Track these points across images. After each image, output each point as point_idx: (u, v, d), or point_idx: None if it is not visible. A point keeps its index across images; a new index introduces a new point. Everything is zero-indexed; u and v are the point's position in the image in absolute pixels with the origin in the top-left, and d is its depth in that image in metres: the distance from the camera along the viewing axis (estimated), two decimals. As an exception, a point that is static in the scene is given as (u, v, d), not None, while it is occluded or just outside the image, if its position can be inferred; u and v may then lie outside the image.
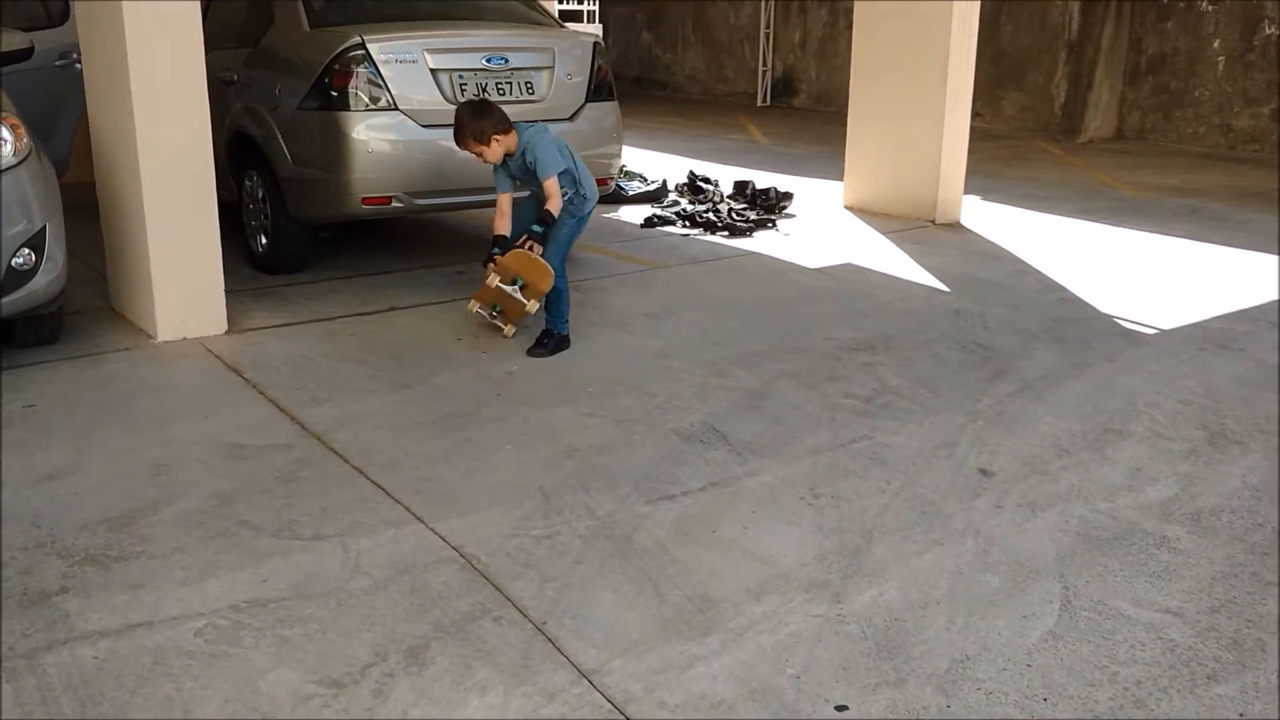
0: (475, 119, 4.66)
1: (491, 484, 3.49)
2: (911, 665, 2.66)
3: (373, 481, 3.49)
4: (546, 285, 4.68)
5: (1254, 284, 6.10)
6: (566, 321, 4.82)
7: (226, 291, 5.00)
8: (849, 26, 15.75)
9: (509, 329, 4.90)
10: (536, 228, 4.73)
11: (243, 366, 4.51)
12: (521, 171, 4.78)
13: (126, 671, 2.54)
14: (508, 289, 4.73)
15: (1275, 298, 5.81)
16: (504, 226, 4.81)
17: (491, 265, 4.78)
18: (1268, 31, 11.55)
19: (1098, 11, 12.44)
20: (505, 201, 4.84)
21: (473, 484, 3.49)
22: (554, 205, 4.72)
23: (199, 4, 4.63)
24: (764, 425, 4.02)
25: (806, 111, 15.84)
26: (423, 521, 3.24)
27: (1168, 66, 12.35)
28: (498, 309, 4.88)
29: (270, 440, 3.79)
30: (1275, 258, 6.74)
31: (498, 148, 4.67)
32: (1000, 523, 3.37)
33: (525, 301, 4.71)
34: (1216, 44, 11.98)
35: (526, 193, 4.96)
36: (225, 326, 4.90)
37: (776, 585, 2.98)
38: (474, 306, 4.90)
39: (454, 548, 3.09)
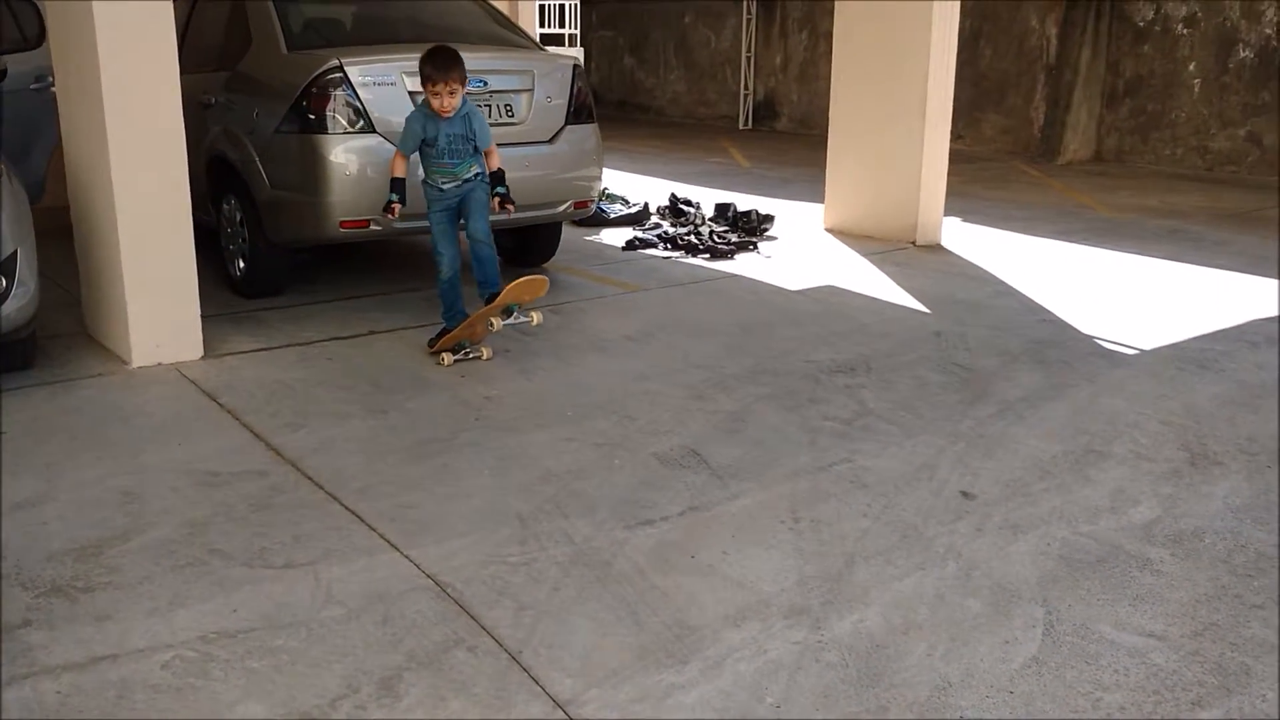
0: (460, 59, 4.65)
1: (468, 510, 3.45)
2: (893, 694, 2.62)
3: (347, 508, 3.44)
4: (543, 289, 4.74)
5: (1233, 304, 6.11)
6: (499, 277, 4.83)
7: (203, 316, 4.95)
8: (830, 51, 15.90)
9: (486, 352, 4.87)
10: (501, 189, 4.82)
11: (218, 392, 4.45)
12: (460, 133, 4.71)
13: (90, 707, 2.48)
14: (510, 322, 4.74)
15: (1255, 318, 5.82)
16: (402, 170, 4.80)
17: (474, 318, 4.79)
18: (1242, 54, 11.66)
19: (1075, 35, 12.54)
20: (405, 158, 4.83)
21: (449, 510, 3.45)
22: (498, 160, 4.87)
23: (174, 26, 4.60)
24: (744, 449, 3.99)
25: (788, 135, 15.90)
26: (397, 549, 3.19)
27: (1145, 89, 12.45)
28: (466, 344, 4.87)
29: (244, 467, 3.74)
30: (1254, 278, 6.77)
31: (462, 96, 4.69)
32: (982, 546, 3.34)
33: (531, 319, 4.78)
34: (1192, 67, 12.08)
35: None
36: (201, 351, 4.85)
37: (756, 611, 2.94)
38: (447, 360, 4.84)
39: (428, 575, 3.04)
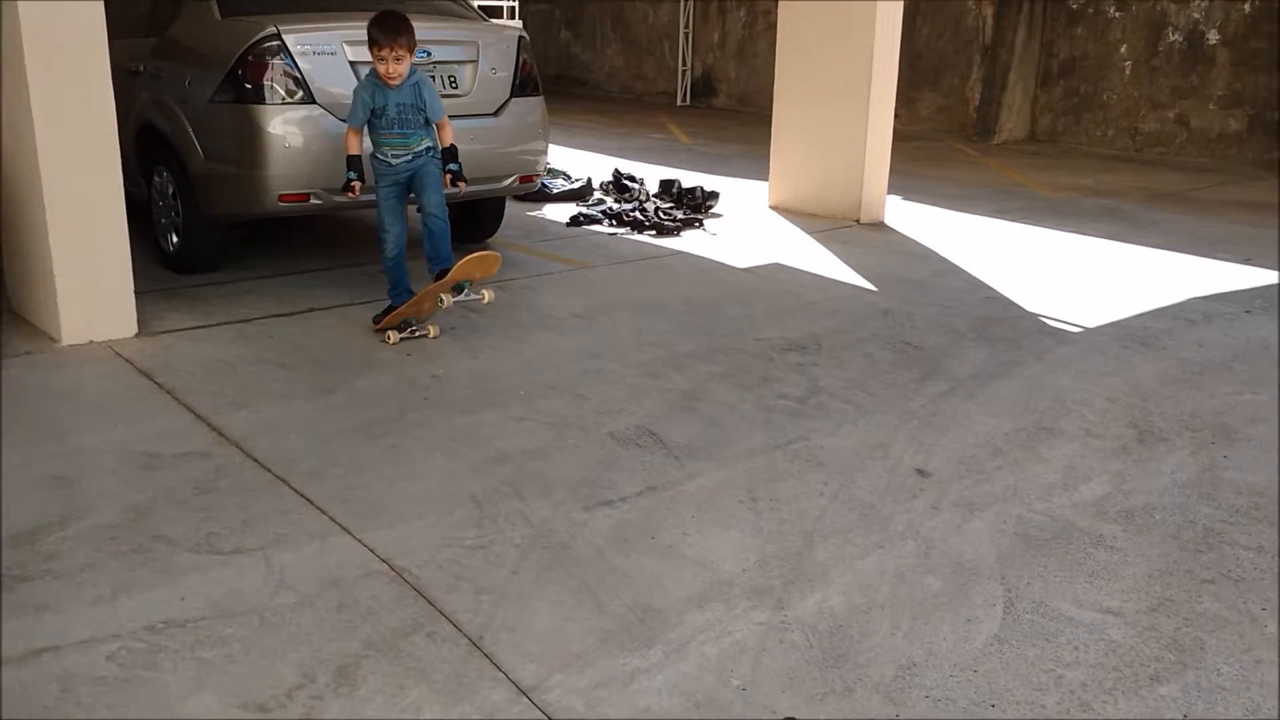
0: (410, 26, 4.51)
1: (421, 492, 3.36)
2: (858, 673, 2.60)
3: (296, 491, 3.33)
4: (495, 266, 4.64)
5: (1169, 283, 6.22)
6: (451, 253, 4.72)
7: (136, 292, 4.77)
8: (769, 27, 15.89)
9: (433, 330, 4.77)
10: (454, 166, 4.72)
11: (154, 371, 4.29)
12: (410, 103, 4.58)
13: (32, 701, 2.36)
14: (461, 299, 4.64)
15: (1191, 296, 5.92)
16: (357, 146, 4.65)
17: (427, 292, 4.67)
18: (1172, 38, 11.87)
19: (1010, 15, 12.67)
20: (358, 133, 4.67)
21: (401, 493, 3.36)
22: (450, 135, 4.74)
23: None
24: (700, 427, 3.95)
25: (726, 111, 15.86)
26: (350, 533, 3.10)
27: (1078, 70, 12.63)
28: (413, 321, 4.76)
29: (186, 448, 3.61)
30: (1188, 256, 6.90)
31: (408, 65, 4.55)
32: (939, 524, 3.34)
33: (483, 297, 4.68)
34: (1124, 49, 12.28)
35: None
36: (135, 329, 4.67)
37: (719, 592, 2.91)
38: (393, 338, 4.72)
39: (383, 560, 2.96)
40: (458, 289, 4.61)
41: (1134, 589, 3.02)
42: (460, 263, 4.53)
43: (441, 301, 4.57)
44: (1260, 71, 11.15)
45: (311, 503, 3.26)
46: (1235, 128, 11.42)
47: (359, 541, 3.05)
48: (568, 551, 3.06)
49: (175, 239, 5.66)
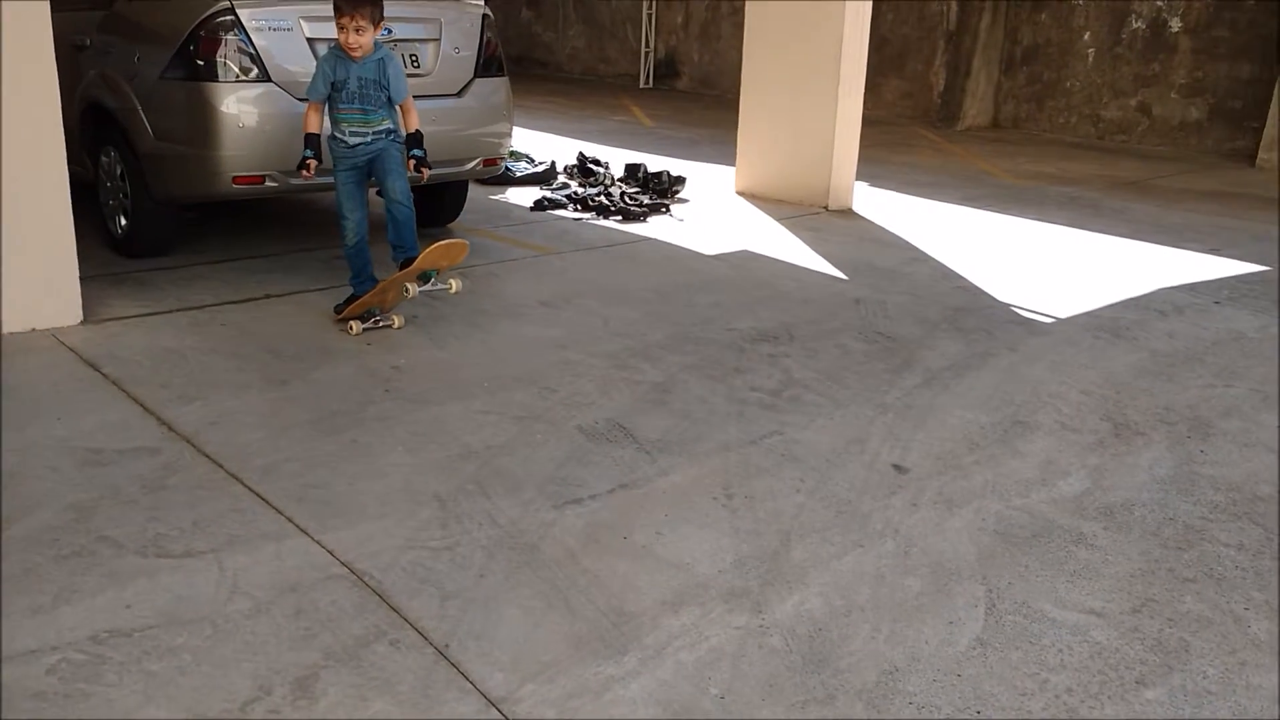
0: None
1: (382, 490, 3.22)
2: (840, 679, 2.51)
3: (250, 489, 3.18)
4: (463, 254, 4.48)
5: (1137, 272, 6.19)
6: (416, 241, 4.56)
7: (82, 278, 4.57)
8: (733, 10, 15.76)
9: (398, 320, 4.61)
10: (418, 152, 4.53)
11: (100, 360, 4.10)
12: (373, 78, 4.39)
13: (-36, 721, 2.21)
14: (427, 288, 4.46)
15: (1160, 286, 5.90)
16: (316, 125, 4.47)
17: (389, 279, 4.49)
18: (1135, 26, 11.89)
19: (975, 1, 12.63)
20: (318, 109, 4.48)
21: (361, 491, 3.22)
22: (415, 119, 4.55)
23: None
24: (671, 421, 3.84)
25: (689, 95, 15.72)
26: (307, 534, 2.95)
27: (1041, 57, 12.63)
28: (378, 310, 4.59)
29: (133, 443, 3.43)
30: (1153, 246, 6.89)
31: (373, 38, 4.36)
32: (918, 522, 3.26)
33: (450, 287, 4.50)
34: (1086, 36, 12.28)
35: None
36: (80, 316, 4.47)
37: (694, 595, 2.80)
38: (356, 328, 4.54)
39: (343, 563, 2.82)
40: (424, 278, 4.44)
41: (1116, 589, 2.96)
42: (426, 251, 4.36)
43: (407, 291, 4.40)
44: (1222, 60, 11.20)
45: (267, 502, 3.11)
46: (1196, 116, 11.47)
47: (317, 543, 2.91)
48: (537, 553, 2.94)
49: (124, 222, 5.45)
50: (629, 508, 3.21)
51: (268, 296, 5.01)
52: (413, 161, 4.52)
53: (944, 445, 3.79)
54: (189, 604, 2.62)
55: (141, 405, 3.73)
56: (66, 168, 4.35)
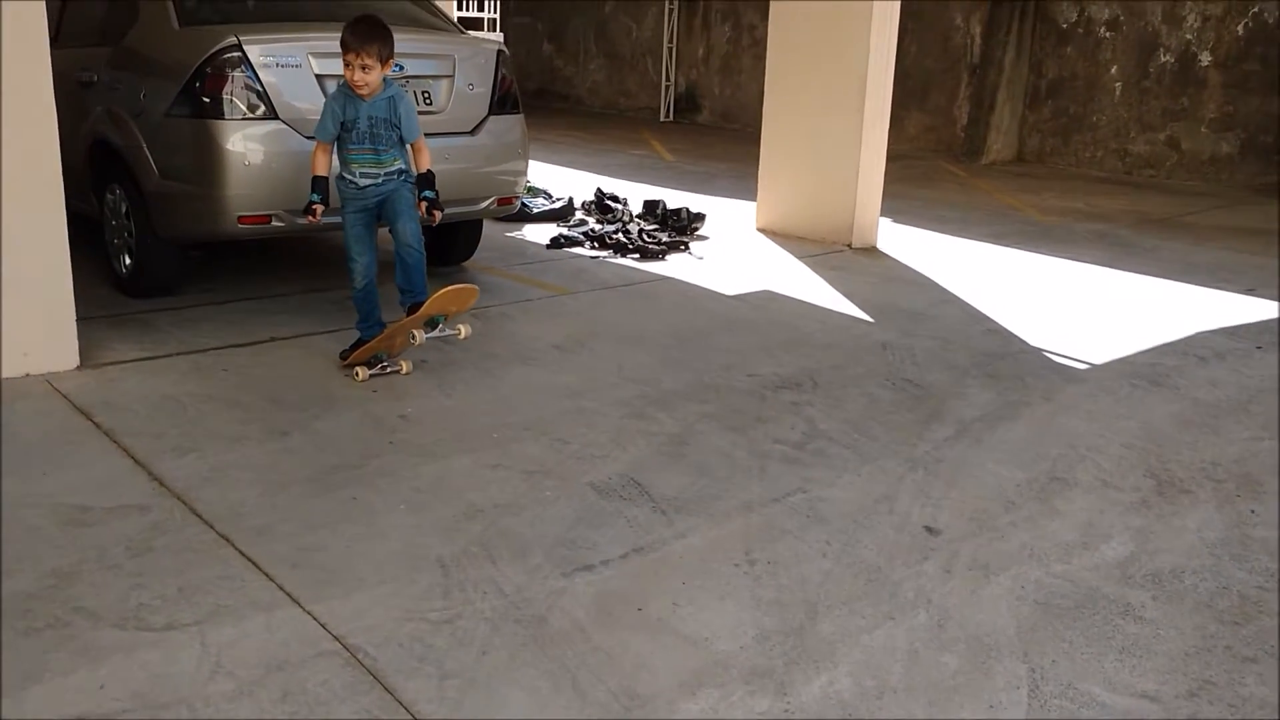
0: (389, 35, 4.16)
1: (381, 554, 3.03)
2: (872, 774, 2.30)
3: (241, 552, 2.99)
4: (473, 300, 4.29)
5: (1173, 315, 5.97)
6: (426, 285, 4.39)
7: (82, 319, 4.42)
8: (754, 43, 15.68)
9: (406, 366, 4.43)
10: (429, 193, 4.35)
11: (94, 408, 3.94)
12: (384, 117, 4.21)
13: (-88, 822, 2.02)
14: (435, 334, 4.27)
15: (1198, 330, 5.67)
16: (324, 167, 4.30)
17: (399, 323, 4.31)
18: (1164, 59, 11.69)
19: (999, 34, 12.47)
20: (326, 150, 4.32)
21: (359, 554, 3.03)
22: (428, 159, 4.40)
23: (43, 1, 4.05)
24: (689, 477, 3.63)
25: (710, 128, 15.61)
26: (299, 604, 2.76)
27: (1066, 91, 12.44)
28: (385, 356, 4.41)
29: (121, 500, 3.26)
30: (1188, 286, 6.66)
31: (380, 76, 4.18)
32: (952, 590, 3.04)
33: (459, 332, 4.34)
34: (1114, 70, 12.10)
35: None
36: (77, 360, 4.31)
37: (714, 675, 2.59)
38: (362, 374, 4.35)
39: (336, 638, 2.63)
40: (431, 324, 4.25)
41: (1170, 668, 2.73)
42: (435, 296, 4.17)
43: (414, 338, 4.21)
44: (1253, 94, 10.98)
45: (258, 567, 2.92)
46: (1227, 151, 11.24)
47: (309, 614, 2.71)
48: (544, 626, 2.73)
49: (128, 261, 5.31)
50: (643, 575, 3.01)
51: (273, 339, 4.85)
52: (424, 204, 4.34)
53: (978, 504, 3.58)
54: (167, 684, 2.42)
55: (133, 458, 3.55)
56: (64, 208, 4.20)
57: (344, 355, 4.47)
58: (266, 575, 2.88)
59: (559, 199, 8.01)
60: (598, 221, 7.65)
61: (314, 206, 4.24)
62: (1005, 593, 3.05)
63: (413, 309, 4.26)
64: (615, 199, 8.05)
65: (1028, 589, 3.08)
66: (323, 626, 2.67)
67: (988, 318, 5.77)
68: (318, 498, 3.34)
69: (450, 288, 4.19)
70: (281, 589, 2.82)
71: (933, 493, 3.63)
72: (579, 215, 7.91)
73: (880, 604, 2.95)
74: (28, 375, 4.18)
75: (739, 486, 3.59)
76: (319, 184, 4.27)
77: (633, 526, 3.27)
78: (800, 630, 2.80)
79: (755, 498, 3.51)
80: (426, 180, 4.35)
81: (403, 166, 4.34)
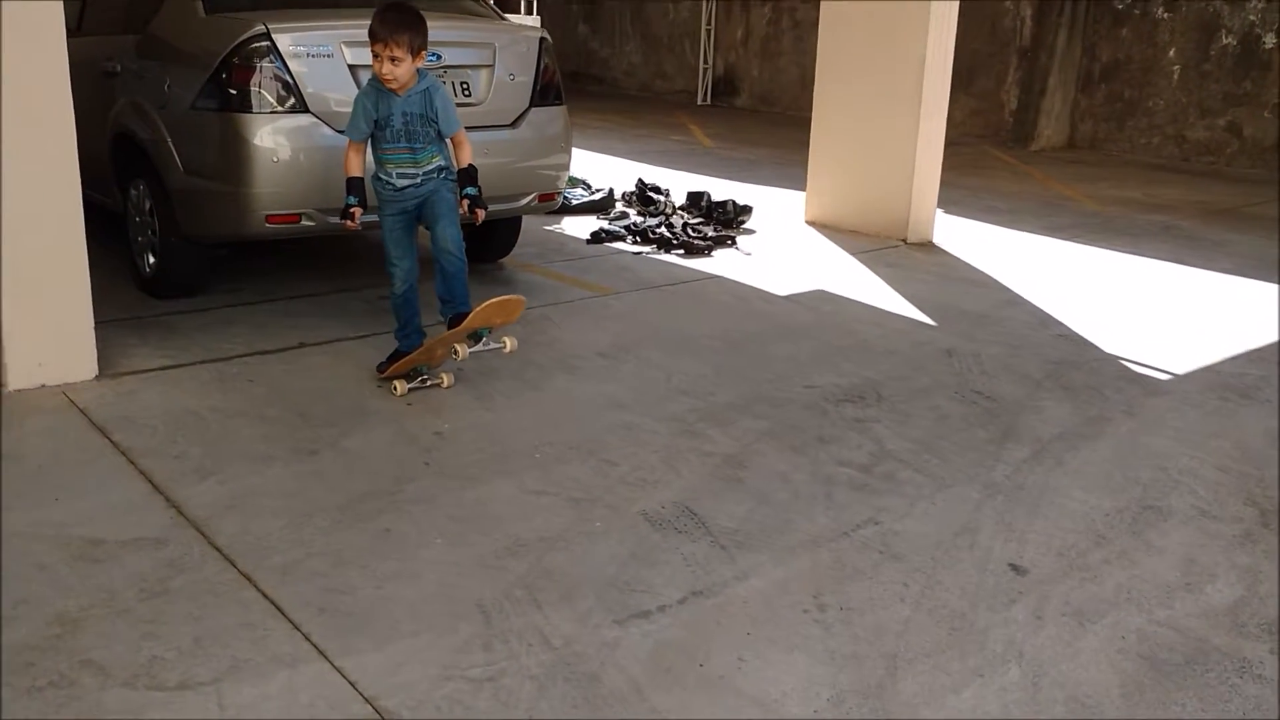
0: (421, 24, 3.82)
1: (416, 597, 2.76)
2: None
3: (264, 594, 2.74)
4: (519, 311, 3.98)
5: (1254, 318, 5.60)
6: (469, 295, 4.08)
7: (103, 322, 4.20)
8: (794, 24, 15.26)
9: (447, 380, 4.14)
10: (471, 190, 4.01)
11: (111, 425, 3.70)
12: (418, 113, 3.90)
13: None
14: (478, 348, 3.95)
15: (1284, 335, 5.31)
16: (358, 167, 3.99)
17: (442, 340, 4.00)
18: (1225, 41, 11.21)
19: (1051, 16, 12.02)
20: (360, 150, 4.01)
21: (393, 597, 2.76)
22: (469, 154, 4.04)
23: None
24: (749, 505, 3.34)
25: (749, 112, 15.24)
26: (326, 658, 2.50)
27: (1122, 74, 11.98)
28: (425, 370, 4.12)
29: (136, 532, 3.01)
30: (1265, 285, 6.28)
31: (412, 69, 3.86)
32: (1045, 641, 2.74)
33: (504, 345, 4.01)
34: (1172, 53, 11.63)
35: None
36: (95, 370, 4.07)
37: (787, 746, 2.31)
38: (400, 388, 4.06)
39: (367, 700, 2.36)
40: (475, 337, 3.94)
41: (1299, 739, 2.42)
42: (480, 308, 3.84)
43: (456, 353, 3.89)
44: (1322, 78, 10.50)
45: (282, 612, 2.66)
46: (1293, 138, 10.77)
47: (338, 670, 2.45)
48: (596, 685, 2.46)
49: (152, 260, 5.07)
50: (704, 623, 2.73)
51: (302, 345, 4.59)
52: (466, 202, 4.02)
53: (1065, 538, 3.27)
54: (180, 757, 2.17)
55: (151, 482, 3.30)
56: (82, 213, 3.95)
57: (381, 368, 4.19)
58: (291, 622, 2.62)
59: (599, 190, 7.72)
60: (639, 214, 7.35)
61: (351, 210, 3.93)
62: (1104, 644, 2.74)
63: (454, 320, 3.95)
64: (657, 190, 7.74)
65: (1129, 640, 2.77)
66: (352, 685, 2.40)
67: (1056, 320, 5.42)
68: (348, 529, 3.08)
69: (496, 299, 3.87)
70: (308, 639, 2.56)
71: (1015, 524, 3.33)
72: (620, 207, 7.61)
73: (967, 657, 2.66)
74: (43, 386, 3.94)
75: (804, 517, 3.29)
76: (354, 186, 3.95)
77: (690, 565, 2.98)
78: (880, 689, 2.52)
79: (822, 530, 3.22)
80: (468, 176, 4.02)
81: (443, 163, 4.03)
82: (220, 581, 2.79)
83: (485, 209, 4.06)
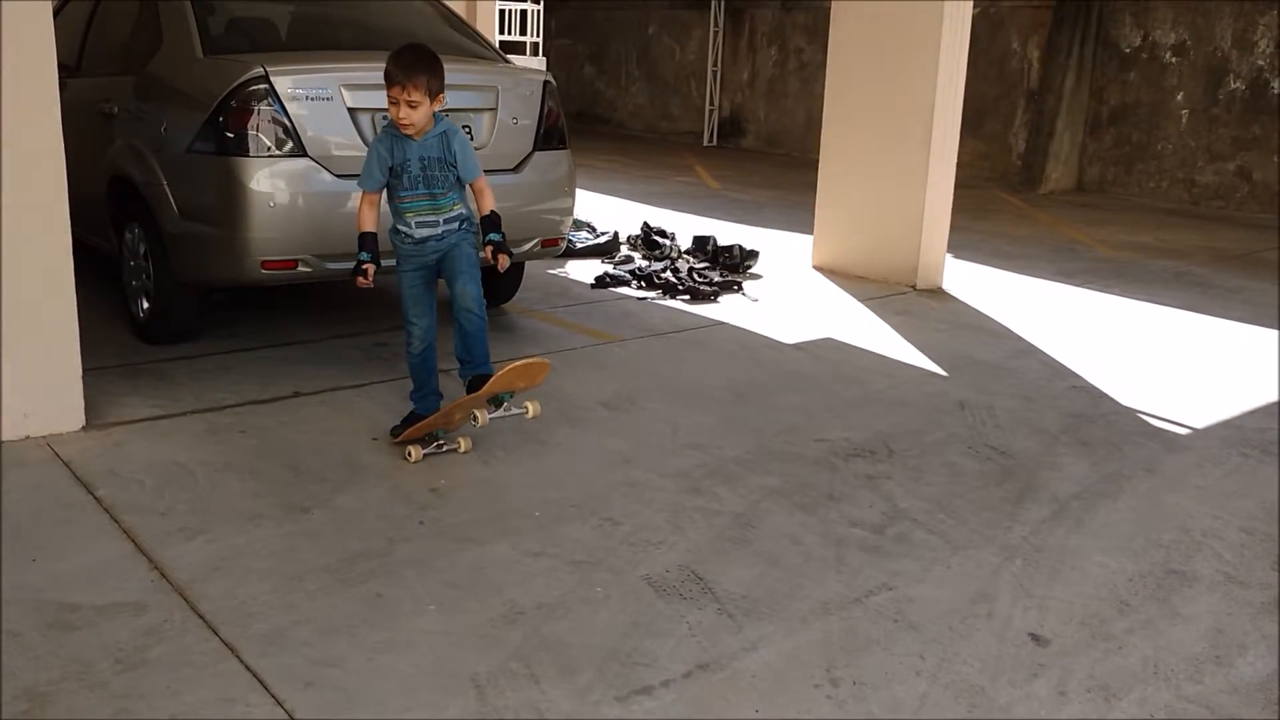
0: (439, 66, 3.66)
1: (408, 670, 2.62)
2: None
3: (247, 667, 2.60)
4: (544, 375, 3.76)
5: (1271, 368, 5.47)
6: (489, 356, 3.87)
7: (95, 369, 4.10)
8: (800, 67, 15.27)
9: (464, 444, 3.92)
10: (495, 236, 3.78)
11: (96, 479, 3.57)
12: (436, 157, 3.72)
13: None
14: (499, 414, 3.75)
15: (1305, 387, 5.18)
16: (372, 222, 3.80)
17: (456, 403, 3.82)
18: (1233, 86, 11.17)
19: (1059, 59, 12.00)
20: (374, 202, 3.81)
21: (383, 670, 2.62)
22: (490, 199, 3.83)
23: (52, 28, 3.71)
24: (757, 569, 3.21)
25: (755, 153, 15.21)
26: (311, 739, 2.36)
27: (1130, 118, 11.94)
28: (442, 434, 3.91)
29: (115, 597, 2.87)
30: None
31: (429, 112, 3.68)
32: (1071, 720, 2.59)
33: (527, 410, 3.78)
34: (1180, 96, 11.59)
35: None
36: (83, 420, 3.95)
37: (798, 839, 2.16)
38: (415, 454, 3.84)
39: (352, 786, 2.22)
40: (496, 402, 3.75)
41: (1344, 832, 2.26)
42: (502, 372, 3.63)
43: (475, 419, 3.70)
44: (1332, 123, 10.43)
45: (265, 687, 2.52)
46: (1303, 182, 10.69)
47: (322, 753, 2.32)
48: (596, 770, 2.32)
49: (146, 305, 4.96)
50: (710, 699, 2.58)
51: (297, 395, 4.47)
52: (489, 248, 3.79)
53: (1087, 605, 3.12)
54: None
55: (133, 541, 3.17)
56: (72, 261, 3.85)
57: (395, 431, 3.97)
58: (275, 699, 2.48)
59: (603, 233, 7.62)
60: (644, 258, 7.25)
61: (364, 266, 3.73)
62: (1132, 723, 2.60)
63: (474, 383, 3.75)
64: (663, 233, 7.65)
65: (1158, 719, 2.62)
66: (337, 770, 2.26)
67: (1071, 371, 5.30)
68: (338, 593, 2.94)
69: (519, 362, 3.67)
70: (291, 717, 2.42)
71: (1035, 590, 3.18)
72: (625, 251, 7.52)
73: (988, 739, 2.51)
74: (28, 438, 3.82)
75: (814, 581, 3.15)
76: (367, 241, 3.75)
77: (696, 635, 2.84)
78: (897, 775, 2.37)
79: (834, 596, 3.08)
80: (491, 222, 3.81)
81: (464, 212, 3.83)
82: (201, 652, 2.65)
83: (510, 255, 3.85)
